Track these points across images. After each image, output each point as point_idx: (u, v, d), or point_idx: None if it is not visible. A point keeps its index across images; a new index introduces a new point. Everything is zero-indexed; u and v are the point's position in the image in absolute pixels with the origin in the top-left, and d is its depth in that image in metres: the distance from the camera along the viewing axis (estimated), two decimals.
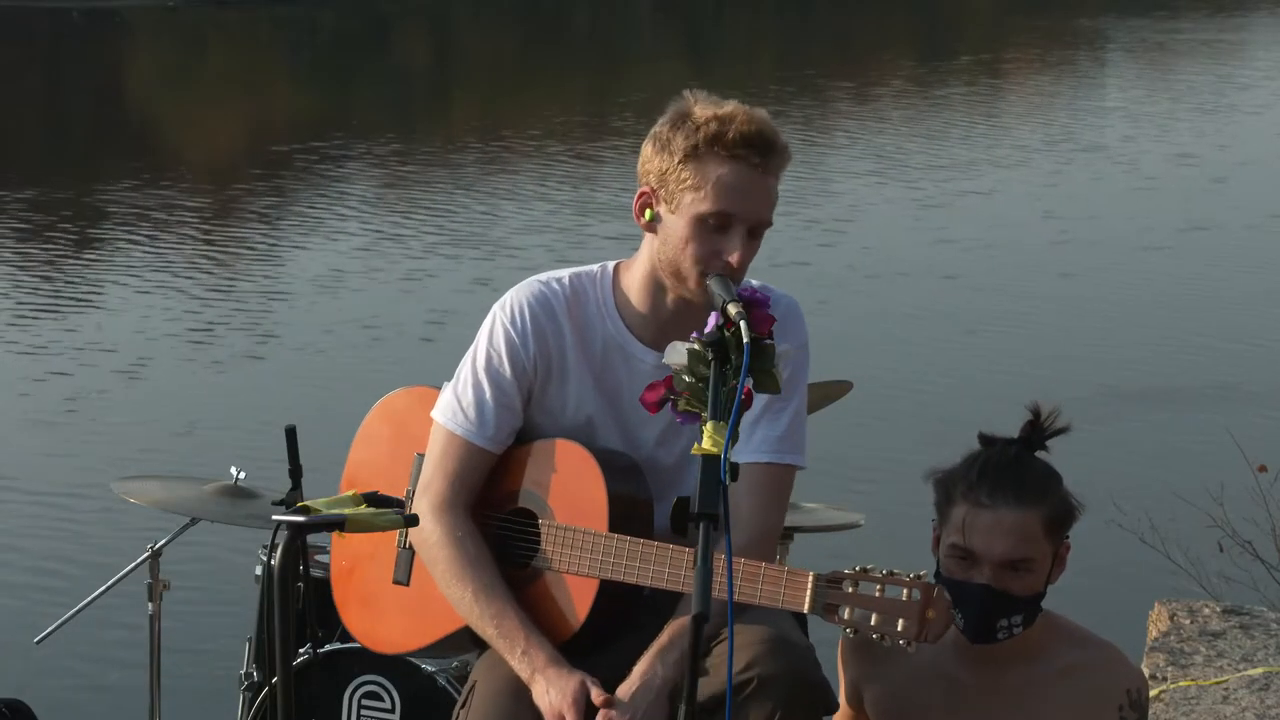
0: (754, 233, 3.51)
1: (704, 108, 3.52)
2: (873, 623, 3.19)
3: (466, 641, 3.65)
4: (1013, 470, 3.35)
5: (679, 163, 3.50)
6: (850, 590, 3.22)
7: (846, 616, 3.21)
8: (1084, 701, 3.37)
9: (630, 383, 3.61)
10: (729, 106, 3.52)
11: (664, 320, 3.60)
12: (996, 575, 3.31)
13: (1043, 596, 3.38)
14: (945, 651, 3.40)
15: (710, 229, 3.48)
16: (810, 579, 3.25)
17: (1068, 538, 3.39)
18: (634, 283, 3.63)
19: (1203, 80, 27.34)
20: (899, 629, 3.17)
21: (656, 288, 3.60)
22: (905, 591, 3.19)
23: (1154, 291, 13.63)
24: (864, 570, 3.22)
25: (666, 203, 3.53)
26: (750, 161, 3.47)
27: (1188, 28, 35.83)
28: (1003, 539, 3.29)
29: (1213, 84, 26.85)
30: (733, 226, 3.48)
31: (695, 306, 3.54)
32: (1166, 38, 34.26)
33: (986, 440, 3.43)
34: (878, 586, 3.20)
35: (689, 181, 3.49)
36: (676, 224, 3.51)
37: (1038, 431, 3.42)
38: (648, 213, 3.56)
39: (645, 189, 3.57)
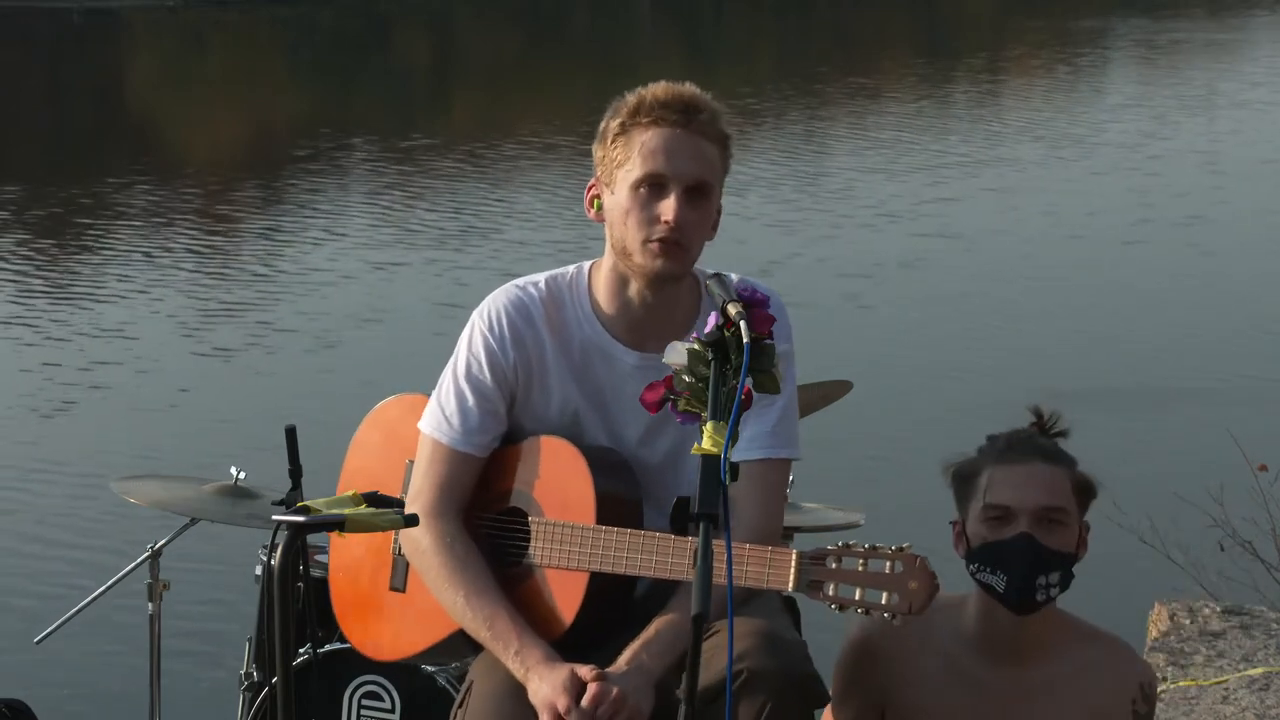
0: (694, 196, 3.53)
1: (632, 94, 3.59)
2: (857, 597, 3.18)
3: (463, 645, 3.64)
4: (1037, 438, 3.38)
5: (611, 145, 3.57)
6: (834, 566, 3.21)
7: (831, 593, 3.20)
8: (1101, 697, 3.37)
9: (611, 383, 3.62)
10: (654, 84, 3.59)
11: (635, 316, 3.62)
12: (1033, 526, 3.28)
13: (1075, 561, 3.33)
14: (966, 654, 3.39)
15: (646, 196, 3.53)
16: (794, 557, 3.25)
17: (1088, 522, 3.36)
18: (602, 281, 3.65)
19: (1205, 78, 27.35)
20: (883, 602, 3.17)
21: (621, 283, 3.62)
22: (888, 564, 3.18)
23: (1154, 290, 13.63)
24: (846, 545, 3.21)
25: (607, 186, 3.59)
26: (669, 121, 3.52)
27: (1187, 27, 35.84)
28: (1036, 490, 3.27)
29: (1215, 82, 26.85)
30: (667, 188, 3.52)
31: (663, 297, 3.58)
32: (1168, 37, 34.27)
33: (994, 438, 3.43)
34: (860, 561, 3.19)
35: (619, 158, 3.56)
36: (617, 202, 3.56)
37: (1043, 433, 3.41)
38: (595, 203, 3.63)
39: (592, 182, 3.65)
